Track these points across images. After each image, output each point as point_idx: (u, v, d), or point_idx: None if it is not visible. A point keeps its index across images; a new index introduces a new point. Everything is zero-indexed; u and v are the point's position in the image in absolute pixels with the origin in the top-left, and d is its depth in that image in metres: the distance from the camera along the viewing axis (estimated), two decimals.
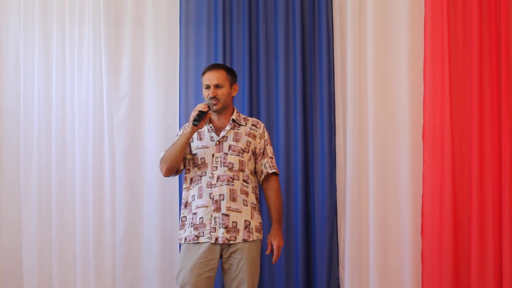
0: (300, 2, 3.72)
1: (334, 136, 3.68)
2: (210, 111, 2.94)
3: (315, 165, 3.67)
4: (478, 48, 3.48)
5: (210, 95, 2.97)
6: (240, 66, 3.72)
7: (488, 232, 3.43)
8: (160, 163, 3.00)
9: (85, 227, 3.82)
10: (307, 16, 3.74)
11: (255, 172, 3.07)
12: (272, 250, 3.00)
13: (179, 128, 3.68)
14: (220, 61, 3.68)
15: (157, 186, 3.79)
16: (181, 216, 3.04)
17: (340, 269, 3.65)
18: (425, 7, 3.57)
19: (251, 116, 3.59)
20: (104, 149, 3.84)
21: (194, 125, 2.86)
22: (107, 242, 3.80)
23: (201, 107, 2.89)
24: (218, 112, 3.02)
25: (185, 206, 3.01)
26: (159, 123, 3.85)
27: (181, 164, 2.99)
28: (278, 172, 3.08)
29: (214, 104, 2.97)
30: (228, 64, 3.65)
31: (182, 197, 3.04)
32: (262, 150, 3.06)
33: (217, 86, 2.99)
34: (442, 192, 3.48)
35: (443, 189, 3.48)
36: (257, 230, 2.97)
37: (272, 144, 3.17)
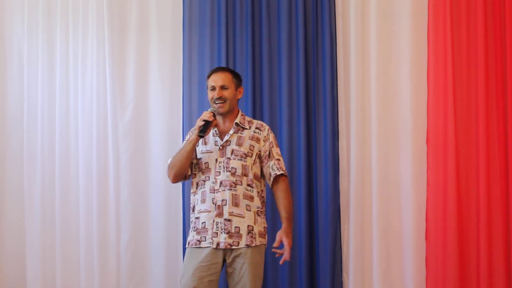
0: (303, 7, 3.72)
1: (338, 141, 3.68)
2: (215, 120, 2.96)
3: (318, 170, 3.66)
4: (483, 52, 3.47)
5: (216, 96, 2.98)
6: (244, 71, 3.72)
7: (494, 237, 3.41)
8: (168, 169, 3.01)
9: (90, 232, 3.82)
10: (310, 21, 3.74)
11: (262, 176, 3.06)
12: (279, 248, 2.88)
13: (183, 133, 3.69)
14: (223, 65, 3.67)
15: (162, 192, 3.79)
16: (190, 220, 3.06)
17: (344, 273, 3.63)
18: (428, 11, 3.56)
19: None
20: (108, 154, 3.84)
21: (200, 136, 2.88)
22: (112, 248, 3.80)
23: (206, 116, 2.91)
24: (224, 115, 3.02)
25: (193, 210, 3.02)
26: (164, 129, 3.84)
27: (188, 170, 3.00)
28: (286, 173, 3.05)
29: (221, 107, 2.98)
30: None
31: (190, 201, 3.05)
32: (267, 153, 3.04)
33: (222, 88, 3.00)
34: (446, 196, 3.47)
35: (447, 194, 3.47)
36: (261, 235, 2.96)
37: (278, 146, 3.15)
